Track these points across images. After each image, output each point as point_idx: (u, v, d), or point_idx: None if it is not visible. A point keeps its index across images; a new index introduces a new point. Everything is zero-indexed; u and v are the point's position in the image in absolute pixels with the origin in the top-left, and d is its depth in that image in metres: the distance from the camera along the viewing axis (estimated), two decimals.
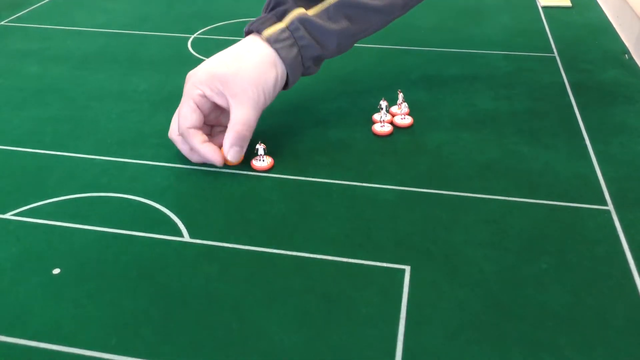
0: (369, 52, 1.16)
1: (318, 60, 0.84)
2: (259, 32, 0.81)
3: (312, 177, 0.80)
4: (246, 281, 0.63)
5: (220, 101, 0.79)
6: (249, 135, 0.80)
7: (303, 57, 0.81)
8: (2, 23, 1.37)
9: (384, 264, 0.65)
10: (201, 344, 0.57)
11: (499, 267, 0.65)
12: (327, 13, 0.81)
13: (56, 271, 0.65)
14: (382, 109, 0.91)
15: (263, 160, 0.82)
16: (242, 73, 0.78)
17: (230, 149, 0.79)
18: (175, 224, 0.72)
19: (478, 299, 0.61)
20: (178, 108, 0.81)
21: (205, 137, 0.80)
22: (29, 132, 0.92)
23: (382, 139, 0.88)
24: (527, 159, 0.83)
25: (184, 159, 0.84)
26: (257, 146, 0.81)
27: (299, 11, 0.80)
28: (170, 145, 0.86)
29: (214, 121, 0.84)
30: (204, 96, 0.79)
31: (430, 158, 0.84)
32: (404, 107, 0.92)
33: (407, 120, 0.91)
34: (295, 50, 0.80)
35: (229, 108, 0.79)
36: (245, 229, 0.71)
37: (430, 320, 0.58)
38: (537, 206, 0.73)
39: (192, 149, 0.80)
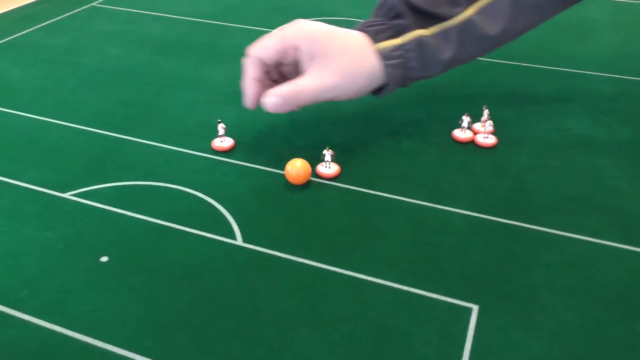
0: None
1: (416, 80, 0.83)
2: (374, 40, 0.78)
3: (379, 191, 0.74)
4: (295, 297, 0.59)
5: (305, 63, 0.76)
6: (296, 104, 0.75)
7: (407, 77, 0.79)
8: (93, 4, 1.40)
9: (449, 299, 0.58)
10: (237, 358, 0.52)
11: (583, 320, 0.56)
12: (445, 35, 0.79)
13: (104, 259, 0.63)
14: (463, 125, 0.84)
15: (329, 167, 0.77)
16: (341, 60, 0.75)
17: (273, 97, 0.75)
18: (230, 225, 0.68)
19: (555, 355, 0.53)
20: (267, 35, 0.79)
21: (259, 75, 0.78)
22: (100, 113, 0.92)
23: (461, 157, 0.81)
24: (625, 197, 0.73)
25: (248, 157, 0.80)
26: (325, 152, 0.76)
27: (418, 33, 0.78)
28: (240, 143, 0.83)
29: (287, 74, 0.81)
30: (296, 49, 0.76)
31: (511, 184, 0.75)
32: (488, 125, 0.84)
33: (491, 140, 0.84)
34: (401, 71, 0.78)
35: (304, 71, 0.76)
36: (302, 239, 0.66)
37: None
38: (635, 255, 0.64)
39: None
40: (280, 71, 0.81)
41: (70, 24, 1.27)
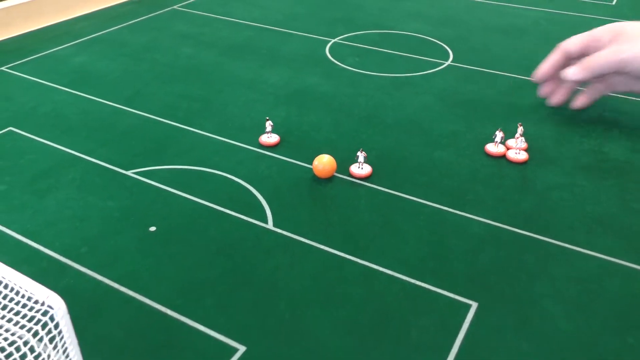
0: (503, 80, 1.11)
1: None
2: None
3: (406, 194, 0.79)
4: (310, 278, 0.65)
5: (604, 47, 0.89)
6: (593, 67, 0.88)
7: None
8: (175, 7, 1.53)
9: (451, 295, 0.63)
10: (253, 324, 0.59)
11: (578, 329, 0.59)
12: None
13: (152, 229, 0.72)
14: (496, 140, 0.88)
15: (361, 168, 0.83)
16: (637, 36, 0.85)
17: (574, 66, 0.90)
18: (264, 211, 0.76)
19: (543, 357, 0.56)
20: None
21: (558, 61, 0.94)
22: (166, 105, 1.02)
23: (490, 170, 0.85)
24: None
25: (290, 154, 0.88)
26: (358, 153, 0.82)
27: None
28: (284, 140, 0.91)
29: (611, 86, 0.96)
30: (599, 40, 0.89)
31: (536, 199, 0.79)
32: (521, 142, 0.88)
33: (522, 156, 0.87)
34: None
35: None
36: (325, 229, 0.73)
37: None
38: None
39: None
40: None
41: (152, 24, 1.41)
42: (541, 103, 1.04)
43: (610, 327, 0.59)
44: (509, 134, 0.89)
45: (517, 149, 0.87)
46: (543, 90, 0.99)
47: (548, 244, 0.71)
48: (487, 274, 0.66)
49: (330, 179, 0.82)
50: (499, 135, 0.87)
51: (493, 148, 0.88)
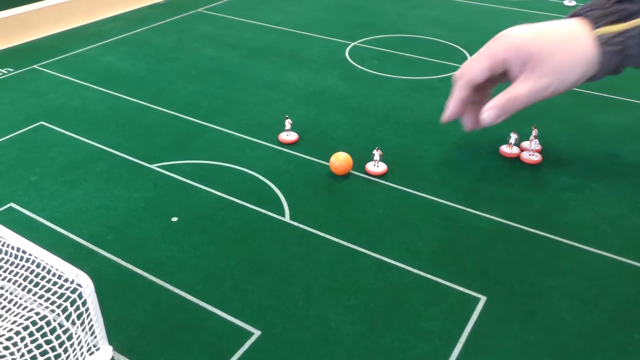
0: None
1: (627, 67, 0.77)
2: (595, 24, 0.73)
3: (419, 192, 0.81)
4: (325, 268, 0.68)
5: (515, 72, 0.76)
6: (512, 109, 0.76)
7: (621, 64, 0.74)
8: (199, 10, 1.57)
9: (461, 288, 0.65)
10: (268, 309, 0.62)
11: (583, 322, 0.61)
12: None
13: (174, 219, 0.76)
14: (511, 141, 0.89)
15: (377, 166, 0.85)
16: (552, 60, 0.73)
17: (489, 110, 0.76)
18: (282, 205, 0.79)
19: (548, 347, 0.58)
20: (474, 55, 0.79)
21: (465, 96, 0.79)
22: (189, 103, 1.06)
23: (504, 170, 0.86)
24: None
25: (308, 151, 0.91)
26: (374, 151, 0.85)
27: None
28: (302, 138, 0.94)
29: (498, 79, 0.81)
30: (504, 62, 0.76)
31: (546, 199, 0.80)
32: (535, 144, 0.89)
33: (535, 158, 0.88)
34: (617, 58, 0.73)
35: (515, 78, 0.76)
36: (340, 223, 0.75)
37: (488, 353, 0.57)
38: None
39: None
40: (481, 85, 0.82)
41: (177, 26, 1.45)
42: (556, 106, 1.05)
43: (615, 322, 0.61)
44: (524, 136, 0.91)
45: (531, 151, 0.89)
46: (449, 118, 0.83)
47: (557, 242, 0.72)
48: (497, 269, 0.68)
49: (347, 176, 0.85)
50: (514, 137, 0.89)
51: (507, 149, 0.90)
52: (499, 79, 0.80)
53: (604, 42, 0.72)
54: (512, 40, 0.76)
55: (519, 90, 0.75)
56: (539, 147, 0.90)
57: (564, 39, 0.74)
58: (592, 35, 0.73)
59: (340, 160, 0.83)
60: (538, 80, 0.74)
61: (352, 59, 1.25)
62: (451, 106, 0.81)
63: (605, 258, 0.70)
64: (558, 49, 0.74)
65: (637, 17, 0.72)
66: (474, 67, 0.78)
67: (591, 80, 0.77)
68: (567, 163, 0.88)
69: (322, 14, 1.53)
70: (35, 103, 1.06)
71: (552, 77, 0.74)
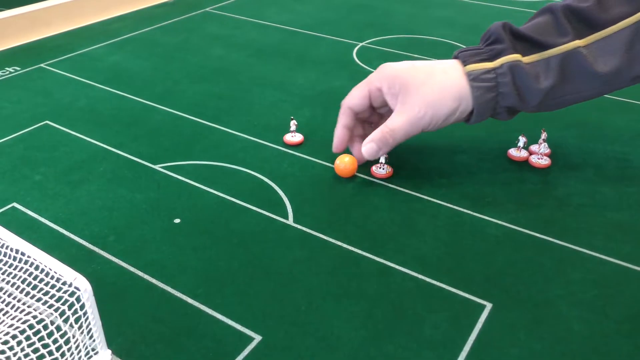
0: None
1: (513, 110, 0.79)
2: (464, 62, 0.78)
3: (425, 195, 0.80)
4: (328, 273, 0.67)
5: (391, 101, 0.79)
6: (392, 143, 0.79)
7: (498, 103, 0.77)
8: (207, 9, 1.57)
9: (466, 295, 0.64)
10: (269, 314, 0.61)
11: (591, 331, 0.59)
12: (546, 65, 0.75)
13: (177, 221, 0.75)
14: (519, 145, 0.88)
15: (382, 169, 0.84)
16: (423, 89, 0.77)
17: (368, 144, 0.79)
18: (285, 207, 0.78)
19: (555, 357, 0.57)
20: (357, 85, 0.83)
21: (348, 123, 0.83)
22: (195, 103, 1.06)
23: (512, 174, 0.85)
24: None
25: (313, 153, 0.90)
26: None
27: (513, 57, 0.75)
28: (308, 139, 0.93)
29: (385, 115, 0.85)
30: (380, 90, 0.80)
31: (555, 204, 0.79)
32: (544, 148, 0.88)
33: (544, 161, 0.87)
34: (491, 95, 0.76)
35: (392, 109, 0.80)
36: (344, 226, 0.74)
37: None
38: None
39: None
40: (380, 114, 0.86)
41: (184, 25, 1.45)
42: (566, 109, 1.03)
43: (624, 331, 0.59)
44: (532, 139, 0.90)
45: (539, 155, 0.87)
46: (337, 149, 0.85)
47: (566, 248, 0.71)
48: (503, 276, 0.66)
49: (351, 178, 0.84)
50: (522, 140, 0.88)
51: (515, 153, 0.88)
52: (386, 115, 0.82)
53: (473, 78, 0.76)
54: (387, 70, 0.80)
55: (395, 123, 0.78)
56: (548, 150, 0.88)
57: (434, 72, 0.78)
58: (463, 71, 0.77)
59: (345, 162, 0.82)
60: (411, 111, 0.77)
61: (359, 60, 1.24)
62: (336, 134, 0.84)
63: (615, 265, 0.68)
64: (428, 80, 0.77)
65: (505, 54, 0.76)
66: (352, 94, 0.82)
67: (468, 121, 0.80)
68: (577, 167, 0.87)
69: (331, 14, 1.52)
70: (41, 102, 1.06)
71: (425, 107, 0.77)
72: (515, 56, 0.75)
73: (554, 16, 0.78)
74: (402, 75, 0.78)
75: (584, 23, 0.76)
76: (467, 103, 0.77)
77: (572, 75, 0.75)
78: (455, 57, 0.80)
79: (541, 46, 0.76)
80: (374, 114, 0.87)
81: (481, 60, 0.77)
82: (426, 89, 0.77)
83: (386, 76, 0.80)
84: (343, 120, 0.84)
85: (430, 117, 0.77)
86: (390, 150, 0.81)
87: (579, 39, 0.75)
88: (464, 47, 0.82)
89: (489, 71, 0.76)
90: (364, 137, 0.83)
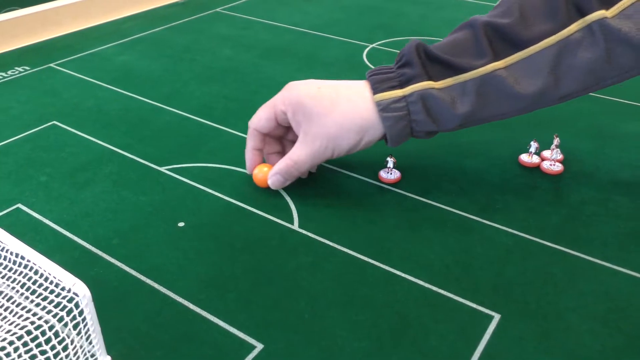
0: None
1: (432, 133, 0.77)
2: (374, 90, 0.74)
3: (433, 201, 0.79)
4: (332, 279, 0.65)
5: (295, 128, 0.77)
6: (296, 174, 0.77)
7: (413, 129, 0.75)
8: (218, 9, 1.56)
9: (473, 305, 0.62)
10: (272, 322, 0.60)
11: (603, 346, 0.58)
12: (462, 89, 0.72)
13: (181, 224, 0.74)
14: (531, 150, 0.86)
15: (390, 174, 0.83)
16: (324, 121, 0.74)
17: (274, 175, 0.78)
18: (291, 211, 0.77)
19: None
20: (264, 104, 0.80)
21: (257, 145, 0.80)
22: (203, 105, 1.05)
23: (523, 180, 0.83)
24: None
25: None
26: (388, 159, 0.82)
27: (424, 84, 0.72)
28: None
29: (293, 138, 0.83)
30: (285, 114, 0.77)
31: (568, 212, 0.77)
32: (556, 153, 0.86)
33: (556, 168, 0.85)
34: (404, 122, 0.73)
35: (297, 134, 0.77)
36: (350, 232, 0.73)
37: None
38: None
39: None
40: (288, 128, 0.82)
41: (194, 26, 1.44)
42: (579, 114, 1.01)
43: (637, 347, 0.57)
44: (545, 144, 0.88)
45: (552, 161, 0.86)
46: (250, 171, 0.82)
47: (578, 258, 0.69)
48: (512, 286, 0.65)
49: (358, 182, 0.82)
50: (534, 145, 0.86)
51: (527, 158, 0.87)
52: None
53: (383, 108, 0.72)
54: (292, 95, 0.76)
55: (299, 155, 0.75)
56: (560, 156, 0.86)
57: (340, 101, 0.74)
58: (371, 101, 0.73)
59: (264, 172, 0.79)
60: (313, 144, 0.74)
61: (369, 62, 1.23)
62: (247, 157, 0.81)
63: (629, 277, 0.66)
64: (332, 110, 0.73)
65: (415, 82, 0.72)
66: (258, 115, 0.79)
67: (387, 143, 0.77)
68: (590, 174, 0.85)
69: (341, 15, 1.50)
70: (49, 102, 1.05)
71: (326, 140, 0.74)
72: (426, 84, 0.72)
73: (473, 33, 0.73)
74: (306, 103, 0.75)
75: (505, 42, 0.72)
76: (374, 133, 0.75)
77: (493, 98, 0.72)
78: (367, 78, 0.77)
79: (456, 69, 0.72)
80: (288, 131, 0.82)
81: (390, 88, 0.73)
82: (328, 120, 0.74)
83: (290, 102, 0.76)
84: (251, 143, 0.80)
85: (332, 150, 0.75)
86: (296, 179, 0.79)
87: (499, 59, 0.71)
88: (374, 67, 0.78)
89: (399, 100, 0.72)
90: (279, 153, 0.82)
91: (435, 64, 0.73)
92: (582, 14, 0.70)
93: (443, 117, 0.73)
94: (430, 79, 0.73)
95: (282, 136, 0.83)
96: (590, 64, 0.69)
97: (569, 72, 0.70)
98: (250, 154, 0.81)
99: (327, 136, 0.74)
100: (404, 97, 0.73)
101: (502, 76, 0.71)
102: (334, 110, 0.74)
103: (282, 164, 0.77)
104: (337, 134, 0.74)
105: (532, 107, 0.73)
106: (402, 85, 0.73)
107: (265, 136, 0.82)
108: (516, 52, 0.72)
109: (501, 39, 0.72)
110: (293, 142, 0.82)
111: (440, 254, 0.69)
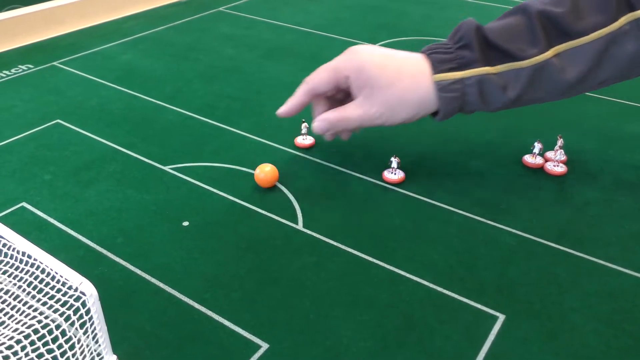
0: None
1: (474, 111, 0.80)
2: (434, 69, 0.76)
3: (437, 201, 0.79)
4: (337, 280, 0.65)
5: (354, 91, 0.79)
6: (340, 128, 0.80)
7: (462, 108, 0.78)
8: (220, 9, 1.56)
9: (478, 305, 0.62)
10: (276, 322, 0.60)
11: (607, 347, 0.58)
12: (516, 75, 0.75)
13: (185, 223, 0.74)
14: (534, 151, 0.86)
15: (394, 174, 0.83)
16: (387, 92, 0.76)
17: (321, 121, 0.80)
18: (295, 211, 0.77)
19: None
20: (325, 65, 0.82)
21: (305, 101, 0.83)
22: (207, 104, 1.05)
23: (527, 181, 0.83)
24: None
25: (324, 156, 0.89)
26: (392, 159, 0.82)
27: (482, 70, 0.75)
28: (319, 142, 0.92)
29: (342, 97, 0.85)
30: (347, 78, 0.79)
31: (572, 213, 0.77)
32: (560, 154, 0.86)
33: (560, 169, 0.85)
34: (458, 102, 0.77)
35: (354, 98, 0.80)
36: (354, 232, 0.73)
37: None
38: None
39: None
40: (344, 91, 0.84)
41: (197, 25, 1.44)
42: (583, 115, 1.01)
43: None
44: (549, 145, 0.88)
45: (555, 162, 0.86)
46: (282, 114, 0.86)
47: (582, 259, 0.69)
48: (516, 286, 0.65)
49: (363, 183, 0.82)
50: (538, 146, 0.86)
51: (531, 159, 0.87)
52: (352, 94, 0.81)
53: (441, 88, 0.75)
54: (356, 59, 0.78)
55: (351, 113, 0.78)
56: (564, 157, 0.87)
57: (403, 75, 0.76)
58: (431, 79, 0.75)
59: (265, 172, 0.80)
60: (370, 109, 0.77)
61: None
62: (288, 106, 0.84)
63: (633, 278, 0.66)
64: (395, 82, 0.76)
65: (474, 67, 0.75)
66: (318, 76, 0.81)
67: (435, 117, 0.80)
68: (594, 175, 0.85)
69: (345, 15, 1.50)
70: (53, 101, 1.05)
71: (383, 109, 0.77)
72: (485, 69, 0.75)
73: (528, 20, 0.76)
74: (370, 70, 0.77)
75: (557, 30, 0.75)
76: (429, 109, 0.78)
77: (540, 84, 0.75)
78: (424, 53, 0.79)
79: (513, 57, 0.75)
80: (340, 92, 0.85)
81: (450, 70, 0.76)
82: (390, 92, 0.76)
83: (354, 66, 0.78)
84: (300, 99, 0.83)
85: (385, 119, 0.78)
86: (339, 132, 0.83)
87: (551, 47, 0.75)
88: (431, 44, 0.80)
89: (457, 81, 0.75)
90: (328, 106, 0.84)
91: (493, 49, 0.76)
92: (632, 8, 0.73)
93: (493, 100, 0.76)
94: (487, 63, 0.75)
95: (332, 96, 0.86)
96: (631, 55, 0.73)
97: (611, 61, 0.74)
98: (293, 106, 0.83)
99: (386, 105, 0.77)
100: (462, 79, 0.75)
101: (554, 64, 0.74)
102: (397, 84, 0.76)
103: (332, 114, 0.79)
104: (396, 107, 0.77)
105: (570, 93, 0.77)
106: (461, 67, 0.76)
107: (316, 96, 0.83)
108: (568, 40, 0.74)
109: (554, 28, 0.75)
110: (341, 102, 0.84)
111: (444, 254, 0.69)
